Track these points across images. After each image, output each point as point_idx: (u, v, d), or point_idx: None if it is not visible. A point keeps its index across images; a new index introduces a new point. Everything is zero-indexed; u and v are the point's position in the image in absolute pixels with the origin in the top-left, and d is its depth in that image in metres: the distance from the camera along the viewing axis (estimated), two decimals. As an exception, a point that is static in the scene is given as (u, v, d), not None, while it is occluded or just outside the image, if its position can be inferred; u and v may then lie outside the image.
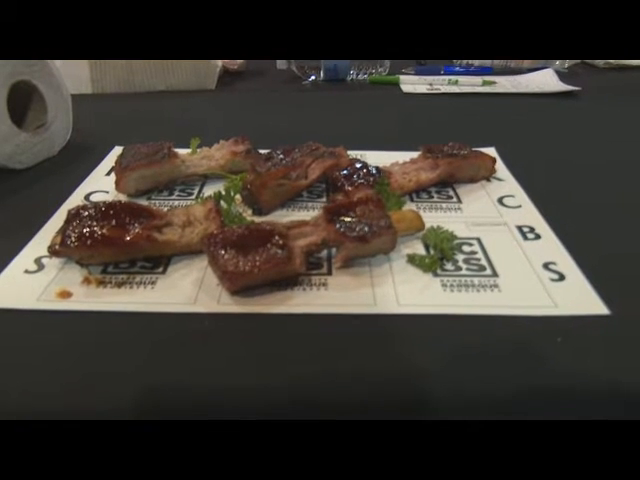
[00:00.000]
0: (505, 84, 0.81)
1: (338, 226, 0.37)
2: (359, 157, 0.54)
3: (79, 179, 0.50)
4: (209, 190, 0.47)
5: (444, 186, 0.49)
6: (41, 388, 0.29)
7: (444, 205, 0.46)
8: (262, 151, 0.50)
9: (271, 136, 0.52)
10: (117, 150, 0.56)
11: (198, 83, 0.80)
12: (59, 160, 0.55)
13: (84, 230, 0.36)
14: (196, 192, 0.49)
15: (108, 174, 0.51)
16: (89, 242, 0.36)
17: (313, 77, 0.85)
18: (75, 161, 0.55)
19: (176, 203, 0.47)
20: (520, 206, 0.46)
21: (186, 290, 0.35)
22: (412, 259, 0.38)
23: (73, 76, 0.73)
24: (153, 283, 0.36)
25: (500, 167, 0.52)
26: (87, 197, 0.47)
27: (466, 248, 0.40)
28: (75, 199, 0.47)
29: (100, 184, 0.49)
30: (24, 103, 0.54)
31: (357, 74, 0.85)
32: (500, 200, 0.47)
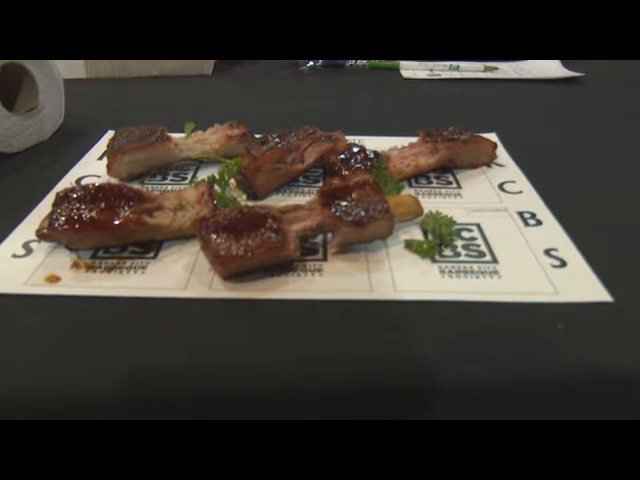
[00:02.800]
0: (507, 70, 0.80)
1: (334, 210, 0.36)
2: (357, 142, 0.53)
3: (70, 163, 0.49)
4: (203, 175, 0.46)
5: (444, 171, 0.48)
6: (26, 372, 0.28)
7: (443, 191, 0.45)
8: (258, 136, 0.49)
9: (268, 122, 0.51)
10: (110, 134, 0.55)
11: (194, 68, 0.78)
12: (51, 144, 0.54)
13: (72, 213, 0.35)
14: (190, 177, 0.47)
15: (100, 158, 0.50)
16: (77, 225, 0.35)
17: (311, 62, 0.84)
18: (67, 145, 0.54)
19: (169, 188, 0.45)
20: (521, 192, 0.45)
21: (177, 275, 0.35)
22: (410, 245, 0.37)
23: (67, 61, 0.71)
24: (144, 268, 0.35)
25: (501, 153, 0.51)
26: (78, 181, 0.46)
27: (465, 234, 0.39)
28: (66, 183, 0.46)
29: (92, 168, 0.48)
30: (15, 86, 0.53)
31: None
32: (501, 186, 0.46)
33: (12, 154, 0.51)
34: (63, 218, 0.35)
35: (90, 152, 0.52)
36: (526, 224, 0.40)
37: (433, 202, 0.43)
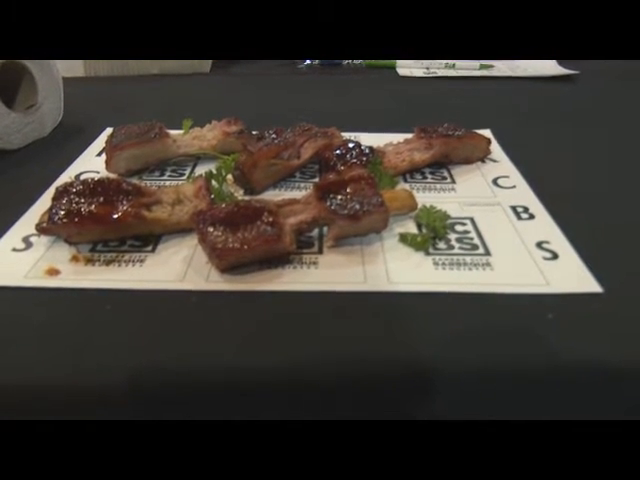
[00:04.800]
0: (502, 68, 0.80)
1: (329, 204, 0.36)
2: (353, 139, 0.53)
3: (70, 160, 0.50)
4: (201, 171, 0.47)
5: (438, 167, 0.48)
6: (27, 364, 0.29)
7: (438, 186, 0.46)
8: (255, 133, 0.49)
9: (266, 120, 0.51)
10: (109, 131, 0.55)
11: (192, 66, 0.79)
12: (50, 141, 0.55)
13: (72, 207, 0.35)
14: (187, 173, 0.48)
15: (99, 155, 0.51)
16: (76, 219, 0.35)
17: (309, 61, 0.85)
18: (66, 142, 0.54)
19: (167, 183, 0.46)
20: (514, 186, 0.45)
21: (175, 268, 0.35)
22: (404, 238, 0.38)
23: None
24: (142, 261, 0.36)
25: (495, 149, 0.52)
26: (77, 177, 0.47)
27: (459, 227, 0.40)
28: (65, 179, 0.46)
29: (91, 164, 0.49)
30: (14, 83, 0.53)
31: (353, 58, 0.84)
32: (495, 181, 0.46)
33: (12, 150, 0.51)
34: (62, 212, 0.35)
35: (89, 148, 0.52)
36: (519, 218, 0.41)
37: (428, 197, 0.44)
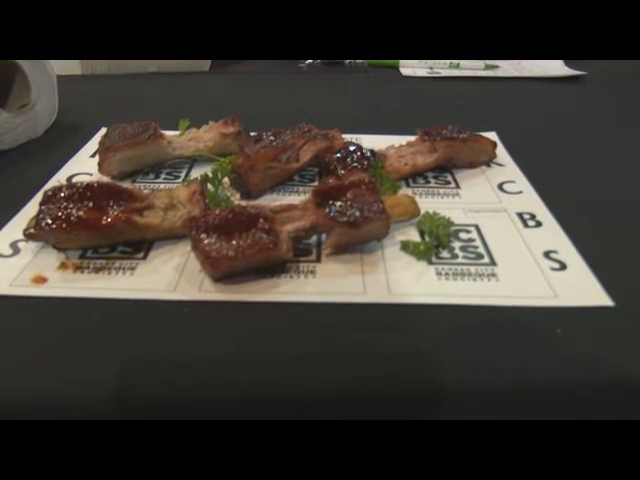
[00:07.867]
0: (508, 68, 0.79)
1: (328, 210, 0.35)
2: (354, 141, 0.52)
3: (63, 161, 0.48)
4: (197, 173, 0.45)
5: (442, 171, 0.47)
6: (11, 374, 0.27)
7: (441, 190, 0.44)
8: (254, 134, 0.48)
9: (266, 120, 0.50)
10: (104, 132, 0.54)
11: (191, 65, 0.77)
12: (43, 141, 0.53)
13: (60, 212, 0.34)
14: (183, 175, 0.47)
15: (93, 156, 0.49)
16: (65, 225, 0.34)
17: (310, 60, 0.83)
18: (60, 142, 0.53)
19: (162, 186, 0.45)
20: (521, 192, 0.44)
21: (166, 276, 0.34)
22: (406, 246, 0.36)
23: (62, 56, 0.70)
24: (133, 269, 0.34)
25: (501, 152, 0.50)
26: (69, 179, 0.45)
27: (463, 235, 0.38)
28: (56, 181, 0.45)
29: (84, 166, 0.48)
30: (7, 82, 0.52)
31: (356, 57, 0.83)
32: (500, 186, 0.45)
33: (3, 151, 0.50)
34: (50, 217, 0.34)
35: (83, 149, 0.51)
36: (525, 225, 0.39)
37: (431, 202, 0.42)
